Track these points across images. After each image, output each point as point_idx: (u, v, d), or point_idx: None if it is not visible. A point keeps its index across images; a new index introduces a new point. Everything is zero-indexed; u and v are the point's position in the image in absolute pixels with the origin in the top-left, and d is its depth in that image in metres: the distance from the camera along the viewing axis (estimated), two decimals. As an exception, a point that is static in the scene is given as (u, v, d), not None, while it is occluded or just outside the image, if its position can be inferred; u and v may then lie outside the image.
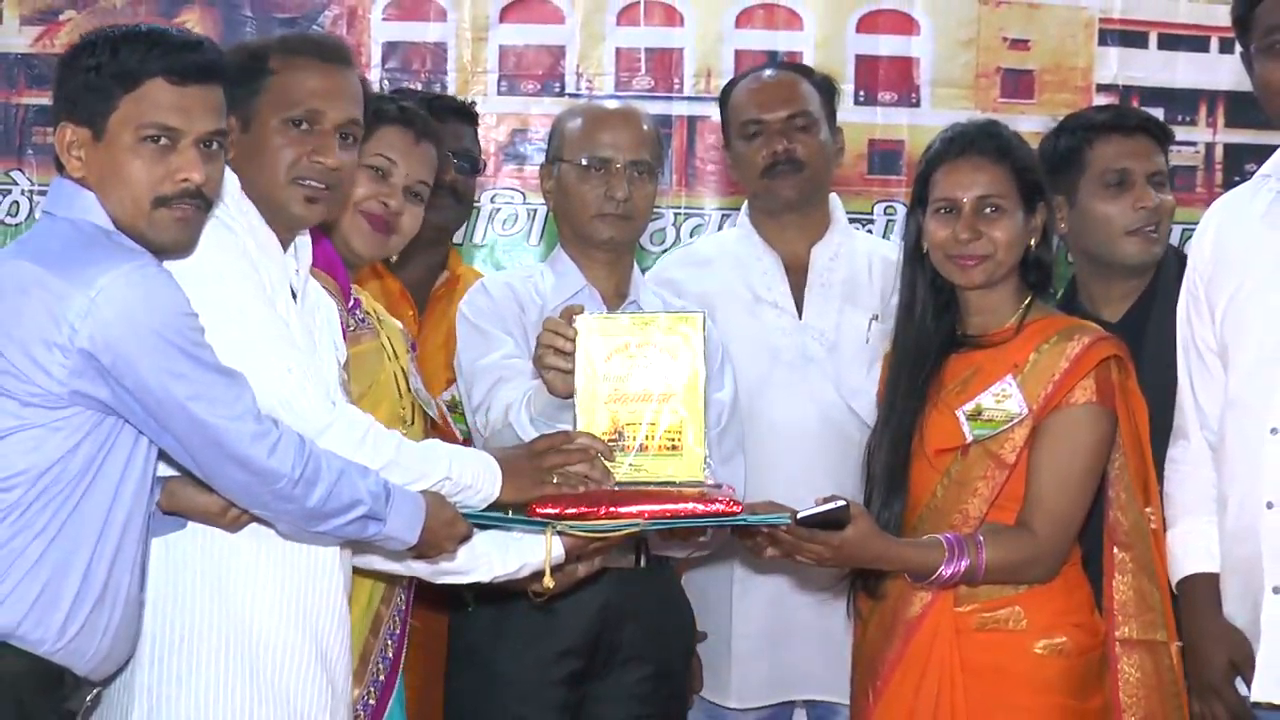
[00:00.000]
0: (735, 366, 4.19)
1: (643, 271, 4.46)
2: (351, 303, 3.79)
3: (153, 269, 3.00)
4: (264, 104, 3.36)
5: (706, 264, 4.52)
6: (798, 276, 4.43)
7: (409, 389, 3.89)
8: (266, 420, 3.05)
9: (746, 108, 4.44)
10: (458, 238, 5.38)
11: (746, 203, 4.60)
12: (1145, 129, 4.09)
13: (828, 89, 4.53)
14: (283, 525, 3.18)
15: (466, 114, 4.88)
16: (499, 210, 6.05)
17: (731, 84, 4.60)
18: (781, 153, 4.35)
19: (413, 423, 3.85)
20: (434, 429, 4.00)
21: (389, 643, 3.76)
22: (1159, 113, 5.75)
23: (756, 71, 4.62)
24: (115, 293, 2.91)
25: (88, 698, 3.16)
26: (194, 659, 3.19)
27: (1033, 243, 3.79)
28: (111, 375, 2.93)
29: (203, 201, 3.11)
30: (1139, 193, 3.78)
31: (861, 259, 4.49)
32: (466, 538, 3.40)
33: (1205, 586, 3.59)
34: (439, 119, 4.47)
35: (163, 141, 3.07)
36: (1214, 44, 6.01)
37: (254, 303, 3.20)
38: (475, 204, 5.30)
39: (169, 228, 3.08)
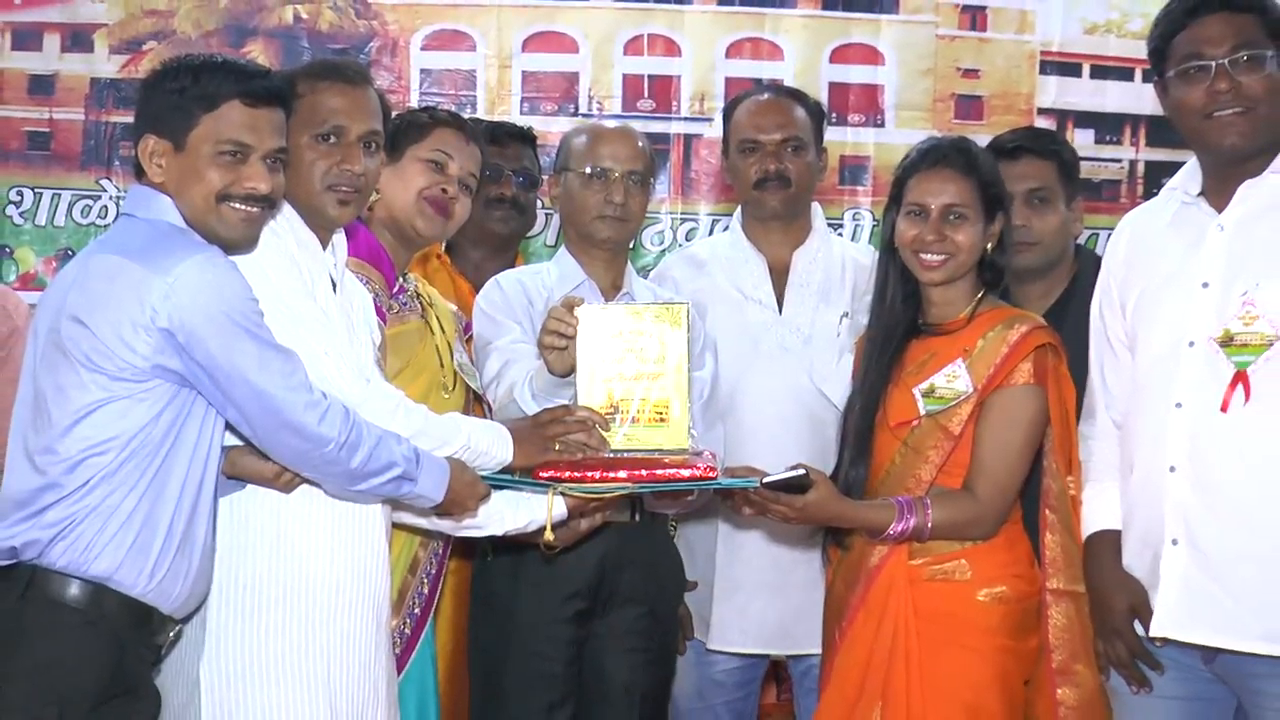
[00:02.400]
0: (722, 354, 4.19)
1: (643, 268, 4.56)
2: (396, 288, 3.83)
3: (220, 259, 3.06)
4: (296, 124, 3.36)
5: (701, 265, 4.49)
6: (780, 277, 4.40)
7: (452, 361, 3.90)
8: (317, 391, 3.10)
9: (745, 127, 4.41)
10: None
11: (739, 209, 4.57)
12: (1029, 151, 4.09)
13: (818, 113, 4.50)
14: (329, 485, 3.22)
15: (525, 137, 4.91)
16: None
17: (735, 102, 4.57)
18: (773, 171, 4.33)
19: (453, 390, 3.88)
20: (477, 400, 4.01)
21: (425, 581, 3.80)
22: (1090, 134, 6.03)
23: (757, 94, 4.58)
24: (189, 278, 2.98)
25: (171, 633, 3.18)
26: (258, 601, 3.23)
27: (989, 247, 3.80)
28: (186, 351, 2.98)
29: (267, 204, 3.18)
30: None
31: (836, 262, 4.46)
32: (486, 497, 3.43)
33: (1108, 542, 3.60)
34: (502, 142, 4.64)
35: (236, 155, 3.13)
36: (1138, 74, 5.99)
37: (295, 296, 3.25)
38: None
39: (235, 225, 3.14)
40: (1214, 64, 3.38)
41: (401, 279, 3.86)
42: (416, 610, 3.77)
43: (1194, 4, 3.44)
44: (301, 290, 3.28)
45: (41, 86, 6.06)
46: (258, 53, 5.87)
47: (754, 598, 4.23)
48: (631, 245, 4.26)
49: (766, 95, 4.55)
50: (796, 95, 4.54)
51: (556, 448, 3.50)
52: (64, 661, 2.99)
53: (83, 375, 2.99)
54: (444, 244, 4.50)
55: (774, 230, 4.42)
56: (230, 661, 3.20)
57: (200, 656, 3.21)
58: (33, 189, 6.00)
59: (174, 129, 3.13)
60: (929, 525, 3.64)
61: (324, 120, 3.42)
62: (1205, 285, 3.42)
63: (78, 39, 6.03)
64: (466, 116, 4.72)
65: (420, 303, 3.91)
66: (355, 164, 3.42)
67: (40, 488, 3.02)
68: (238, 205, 3.14)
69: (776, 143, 4.36)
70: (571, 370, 3.63)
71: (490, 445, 3.41)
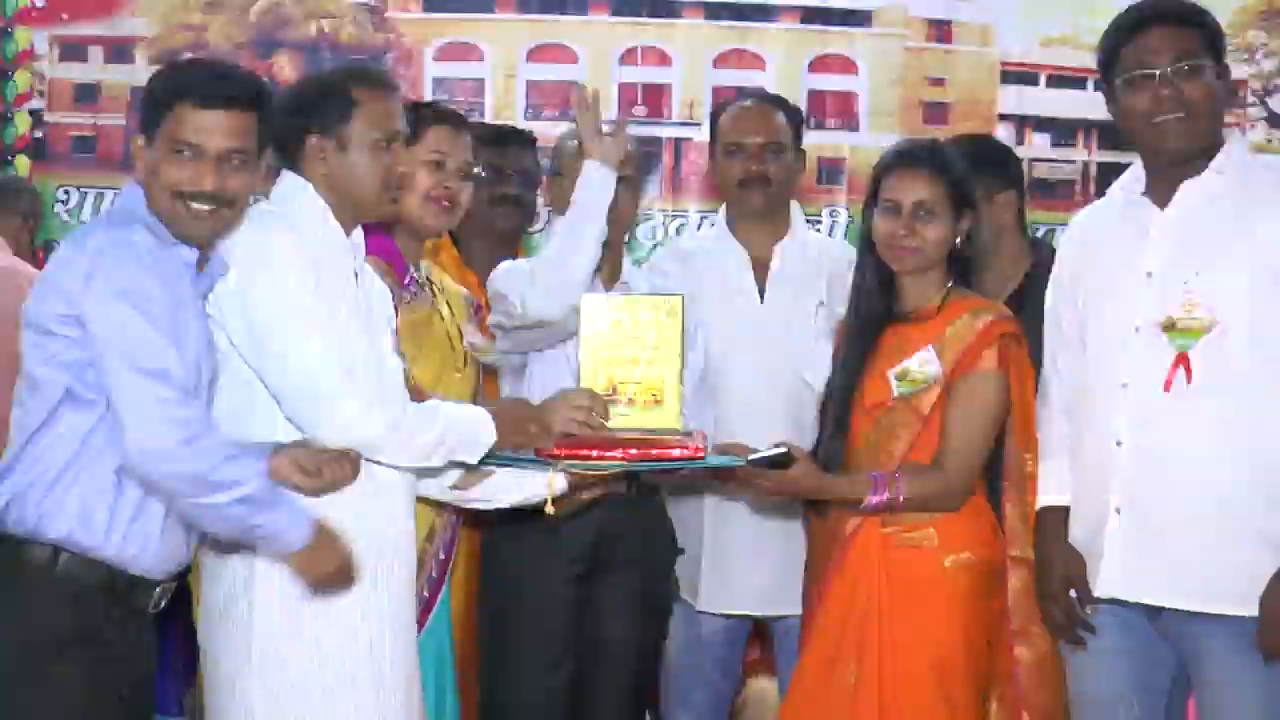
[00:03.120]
0: (708, 340, 4.16)
1: (638, 261, 4.53)
2: (408, 280, 3.76)
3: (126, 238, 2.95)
4: (355, 126, 3.28)
5: (689, 258, 4.45)
6: (761, 269, 4.36)
7: (462, 343, 3.85)
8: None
9: (730, 131, 4.36)
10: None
11: (724, 206, 4.53)
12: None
13: (797, 119, 4.46)
14: (178, 504, 2.96)
15: (526, 139, 4.86)
16: None
17: (721, 108, 4.52)
18: (755, 172, 4.29)
19: (464, 369, 3.82)
20: (489, 376, 3.99)
21: (441, 548, 3.74)
22: (1047, 138, 6.11)
23: (741, 101, 4.53)
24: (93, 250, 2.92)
25: (155, 595, 3.08)
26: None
27: (958, 242, 3.77)
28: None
29: (222, 203, 3.04)
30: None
31: (813, 256, 4.42)
32: (345, 576, 3.08)
33: (1055, 517, 3.59)
34: (504, 144, 4.60)
35: (187, 154, 3.00)
36: (1090, 84, 5.90)
37: (329, 303, 3.15)
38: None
39: (189, 222, 3.02)
40: (1157, 72, 3.36)
41: (413, 269, 3.80)
42: (434, 575, 3.71)
43: (1140, 18, 3.43)
44: (332, 303, 3.16)
45: (86, 95, 6.09)
46: (284, 63, 5.88)
47: (740, 564, 4.20)
48: (627, 239, 4.21)
49: (750, 102, 4.49)
50: (777, 102, 4.50)
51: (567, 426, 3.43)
52: (26, 615, 2.93)
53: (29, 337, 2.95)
54: (452, 238, 4.43)
55: (756, 226, 4.37)
56: (278, 633, 3.11)
57: (250, 630, 3.11)
58: (78, 189, 5.99)
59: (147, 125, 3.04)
60: (900, 498, 3.61)
61: (385, 127, 3.31)
62: (1149, 275, 3.40)
63: (120, 51, 6.05)
64: (474, 121, 4.73)
65: (431, 289, 3.84)
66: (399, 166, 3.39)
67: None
68: (192, 204, 3.01)
69: (759, 146, 4.31)
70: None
71: (473, 431, 3.27)
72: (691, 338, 3.96)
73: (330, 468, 3.09)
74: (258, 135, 3.08)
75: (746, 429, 3.91)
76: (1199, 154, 3.40)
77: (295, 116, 3.30)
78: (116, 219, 3.05)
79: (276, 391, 3.10)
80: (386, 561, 3.22)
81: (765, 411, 4.14)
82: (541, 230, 5.50)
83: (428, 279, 3.85)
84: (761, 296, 4.33)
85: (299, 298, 3.08)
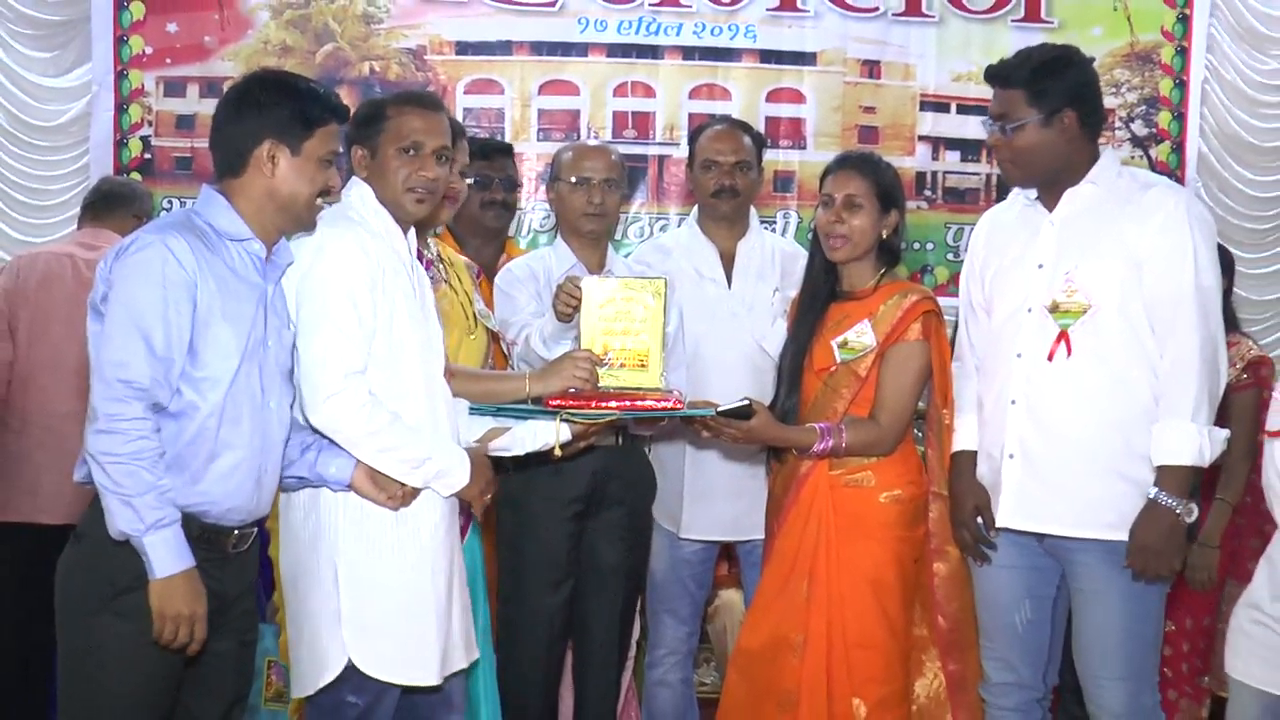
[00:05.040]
0: (685, 319, 4.02)
1: (627, 254, 4.41)
2: (425, 264, 3.54)
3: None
4: (385, 140, 3.12)
5: (668, 252, 4.28)
6: (728, 261, 4.21)
7: (473, 310, 3.70)
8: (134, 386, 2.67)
9: (706, 150, 4.21)
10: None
11: (696, 210, 4.37)
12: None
13: (759, 141, 4.32)
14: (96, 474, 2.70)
15: (508, 151, 4.65)
16: (540, 215, 5.97)
17: (698, 131, 4.36)
18: (727, 185, 4.14)
19: (476, 332, 3.68)
20: (494, 339, 3.81)
21: (490, 493, 3.49)
22: (957, 154, 6.17)
23: (715, 125, 4.36)
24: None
25: (234, 539, 2.88)
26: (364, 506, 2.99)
27: (885, 233, 3.67)
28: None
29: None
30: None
31: (768, 251, 4.27)
32: (196, 620, 2.73)
33: (965, 460, 3.52)
34: (491, 156, 4.37)
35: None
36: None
37: (356, 309, 2.97)
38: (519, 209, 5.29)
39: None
40: (989, 126, 3.38)
41: (425, 250, 3.59)
42: (478, 512, 3.51)
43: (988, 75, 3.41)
44: (369, 308, 2.98)
45: (185, 124, 6.02)
46: (344, 97, 5.66)
47: (713, 499, 4.08)
48: (619, 237, 4.09)
49: (723, 127, 4.33)
50: (745, 127, 4.35)
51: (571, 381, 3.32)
52: (119, 558, 2.71)
53: None
54: (451, 233, 4.25)
55: (723, 227, 4.22)
56: (360, 539, 2.98)
57: (336, 542, 2.98)
58: (179, 199, 5.85)
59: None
60: (843, 445, 3.56)
61: (406, 137, 3.12)
62: (1040, 266, 3.34)
63: (212, 88, 5.93)
64: (497, 142, 4.62)
65: (443, 265, 3.67)
66: (430, 171, 3.13)
67: None
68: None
69: (730, 164, 4.17)
70: (571, 318, 3.51)
71: (455, 471, 3.05)
72: (671, 315, 3.82)
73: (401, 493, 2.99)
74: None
75: (718, 389, 3.80)
76: (1059, 180, 3.35)
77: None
78: (162, 223, 2.89)
79: (298, 369, 2.95)
80: (433, 501, 3.07)
81: (733, 375, 4.01)
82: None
83: (438, 255, 3.69)
84: (729, 283, 4.18)
85: (329, 300, 2.94)
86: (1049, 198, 3.37)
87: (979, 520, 3.43)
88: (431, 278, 3.52)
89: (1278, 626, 2.88)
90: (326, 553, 2.97)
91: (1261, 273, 6.12)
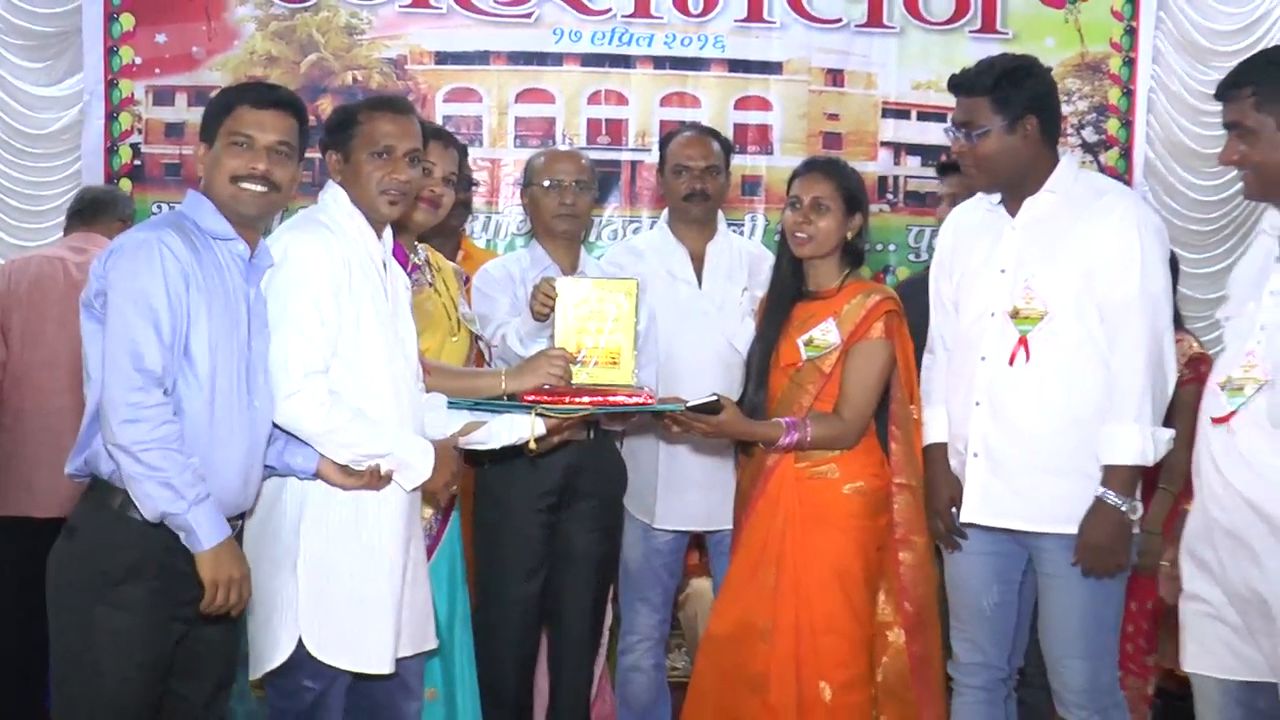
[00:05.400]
0: (658, 318, 3.99)
1: (599, 256, 4.36)
2: (410, 267, 3.53)
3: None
4: (358, 144, 3.07)
5: (640, 254, 4.25)
6: (698, 262, 4.18)
7: (457, 313, 3.66)
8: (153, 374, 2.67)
9: (677, 155, 4.18)
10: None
11: (666, 212, 4.34)
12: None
13: (728, 147, 4.29)
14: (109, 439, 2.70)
15: (464, 152, 4.49)
16: (517, 219, 5.88)
17: (669, 137, 4.33)
18: (698, 189, 4.12)
19: (458, 334, 3.63)
20: (477, 341, 3.76)
21: (455, 485, 3.44)
22: (917, 159, 6.14)
23: (685, 131, 4.34)
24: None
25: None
26: (330, 493, 2.97)
27: (849, 235, 3.65)
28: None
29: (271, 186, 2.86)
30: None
31: (736, 252, 4.25)
32: (240, 585, 2.79)
33: (938, 451, 3.50)
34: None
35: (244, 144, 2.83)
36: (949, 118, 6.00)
37: (319, 311, 2.94)
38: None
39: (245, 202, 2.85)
40: (953, 134, 3.38)
41: (413, 255, 3.58)
42: (443, 504, 3.52)
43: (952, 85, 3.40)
44: (335, 308, 2.95)
45: (174, 132, 5.95)
46: (327, 105, 5.70)
47: (685, 491, 4.05)
48: (593, 239, 4.06)
49: (693, 133, 4.31)
50: (713, 133, 4.32)
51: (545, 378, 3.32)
52: (105, 546, 2.72)
53: None
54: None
55: (693, 229, 4.20)
56: (319, 529, 2.96)
57: (298, 528, 2.95)
58: (169, 204, 5.75)
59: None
60: (808, 439, 3.54)
61: (378, 141, 3.07)
62: (1002, 272, 3.33)
63: (200, 97, 5.82)
64: (471, 151, 4.60)
65: (429, 269, 3.64)
66: (402, 174, 3.08)
67: None
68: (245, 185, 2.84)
69: (701, 169, 4.14)
70: (547, 318, 3.49)
71: (418, 461, 3.01)
72: (643, 315, 3.79)
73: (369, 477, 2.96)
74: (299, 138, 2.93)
75: (690, 384, 3.78)
76: (1017, 185, 3.33)
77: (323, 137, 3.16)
78: (153, 222, 2.87)
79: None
80: (391, 496, 3.04)
81: (704, 372, 3.97)
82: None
83: (426, 261, 3.66)
84: (700, 283, 4.16)
85: (292, 301, 2.91)
86: (1011, 203, 3.35)
87: (953, 510, 3.42)
88: (415, 281, 3.50)
89: (1221, 612, 2.85)
90: (287, 540, 2.95)
91: (1205, 272, 6.13)
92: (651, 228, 4.63)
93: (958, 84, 3.34)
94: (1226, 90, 2.80)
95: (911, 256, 6.09)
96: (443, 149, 3.61)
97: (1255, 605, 2.75)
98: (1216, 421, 2.82)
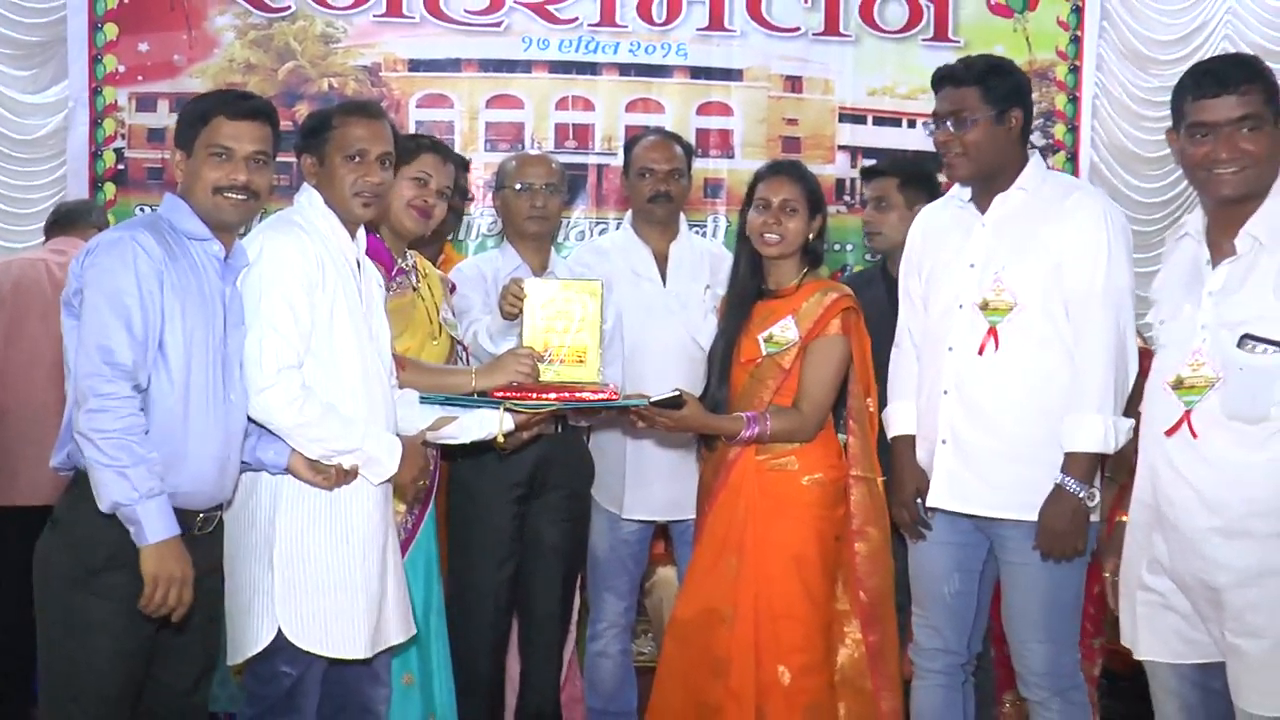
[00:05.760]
0: (623, 316, 3.98)
1: (565, 257, 4.33)
2: (395, 270, 3.52)
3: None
4: (332, 148, 3.05)
5: (606, 254, 4.23)
6: (661, 262, 4.16)
7: (439, 317, 3.62)
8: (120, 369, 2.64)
9: (642, 159, 4.16)
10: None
11: (630, 214, 4.32)
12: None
13: (689, 151, 4.27)
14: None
15: (463, 164, 4.54)
16: (488, 221, 5.86)
17: (633, 141, 4.31)
18: (662, 191, 4.11)
19: (440, 338, 3.59)
20: (456, 344, 3.72)
21: (423, 480, 3.45)
22: (872, 162, 5.85)
23: (650, 135, 4.32)
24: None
25: (199, 521, 2.82)
26: (302, 488, 2.94)
27: (811, 236, 3.65)
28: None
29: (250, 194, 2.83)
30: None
31: (698, 252, 4.24)
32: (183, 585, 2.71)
33: (905, 443, 3.45)
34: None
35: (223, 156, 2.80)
36: (904, 123, 6.08)
37: (292, 308, 2.91)
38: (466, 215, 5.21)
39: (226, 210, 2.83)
40: (939, 124, 3.31)
41: (400, 260, 3.56)
42: (411, 498, 3.47)
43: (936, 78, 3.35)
44: (308, 307, 2.93)
45: (156, 137, 5.86)
46: (303, 111, 5.64)
47: (652, 483, 4.04)
48: (561, 240, 4.02)
49: (656, 137, 4.28)
50: (676, 138, 4.30)
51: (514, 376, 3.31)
52: (87, 536, 2.69)
53: None
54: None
55: (657, 230, 4.17)
56: (294, 520, 2.93)
57: (274, 519, 2.92)
58: (151, 207, 5.64)
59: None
60: (768, 432, 3.53)
61: (351, 145, 3.05)
62: (972, 265, 3.30)
63: (181, 103, 5.57)
64: (455, 155, 4.54)
65: (415, 275, 3.60)
66: (374, 176, 3.05)
67: None
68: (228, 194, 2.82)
69: (665, 171, 4.12)
70: (516, 317, 3.46)
71: (384, 457, 2.98)
72: (608, 314, 3.79)
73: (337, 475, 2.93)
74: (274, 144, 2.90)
75: (655, 379, 3.76)
76: (991, 178, 3.30)
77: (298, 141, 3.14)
78: (129, 223, 2.84)
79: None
80: (365, 490, 3.02)
81: (668, 368, 3.94)
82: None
83: (413, 266, 3.62)
84: (664, 282, 4.13)
85: (266, 299, 2.89)
86: (982, 200, 3.34)
87: (919, 501, 3.39)
88: (400, 284, 3.50)
89: (1170, 600, 2.83)
90: (263, 531, 2.93)
91: (1146, 271, 6.11)
92: (617, 228, 4.60)
93: (945, 76, 3.30)
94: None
95: (868, 256, 6.04)
96: (440, 162, 3.60)
97: (1203, 594, 2.74)
98: (1169, 432, 2.78)
